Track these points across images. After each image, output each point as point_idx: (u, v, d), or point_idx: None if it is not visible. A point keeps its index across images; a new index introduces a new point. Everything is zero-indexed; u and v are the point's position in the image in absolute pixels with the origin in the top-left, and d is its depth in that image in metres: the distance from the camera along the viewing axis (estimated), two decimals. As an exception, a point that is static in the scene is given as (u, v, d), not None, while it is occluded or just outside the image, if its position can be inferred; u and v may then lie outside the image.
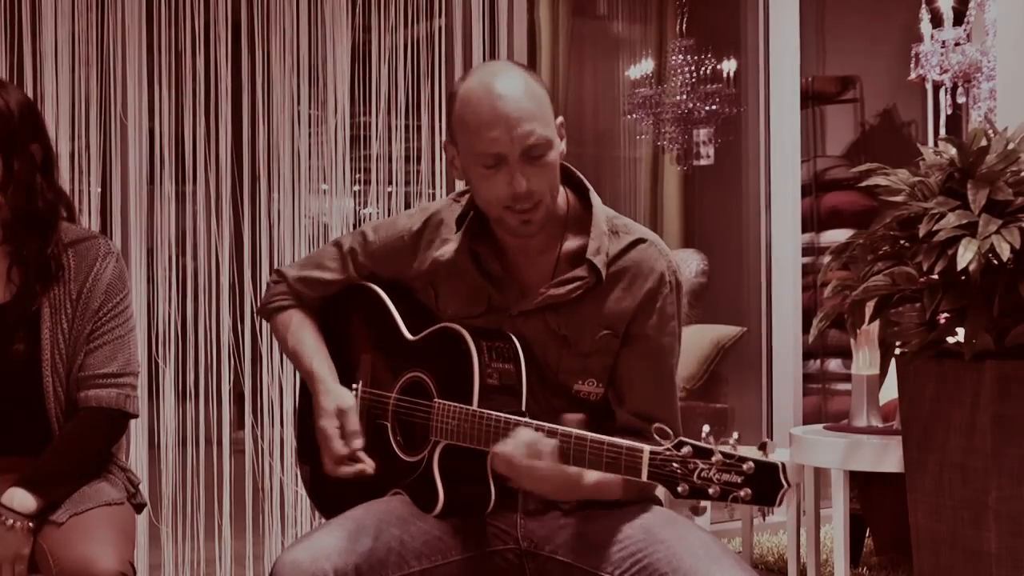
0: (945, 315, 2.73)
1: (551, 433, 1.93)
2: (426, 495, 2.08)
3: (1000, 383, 2.66)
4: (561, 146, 2.08)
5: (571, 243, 2.14)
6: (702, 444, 1.80)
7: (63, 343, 2.31)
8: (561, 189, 2.15)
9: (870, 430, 3.61)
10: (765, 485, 1.77)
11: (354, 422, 2.15)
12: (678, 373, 2.18)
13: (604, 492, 2.03)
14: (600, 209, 2.15)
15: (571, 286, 2.10)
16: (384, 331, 2.22)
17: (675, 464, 1.81)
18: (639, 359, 2.11)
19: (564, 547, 2.09)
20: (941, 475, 2.75)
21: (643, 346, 2.11)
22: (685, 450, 1.81)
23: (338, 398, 2.17)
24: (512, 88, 2.02)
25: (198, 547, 3.89)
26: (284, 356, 3.84)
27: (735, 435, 1.82)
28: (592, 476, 1.96)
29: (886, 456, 3.44)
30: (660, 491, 1.94)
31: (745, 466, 1.77)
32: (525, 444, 1.92)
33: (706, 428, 1.85)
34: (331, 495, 2.29)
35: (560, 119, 2.09)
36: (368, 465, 2.13)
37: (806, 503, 3.88)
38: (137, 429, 3.68)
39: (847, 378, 4.52)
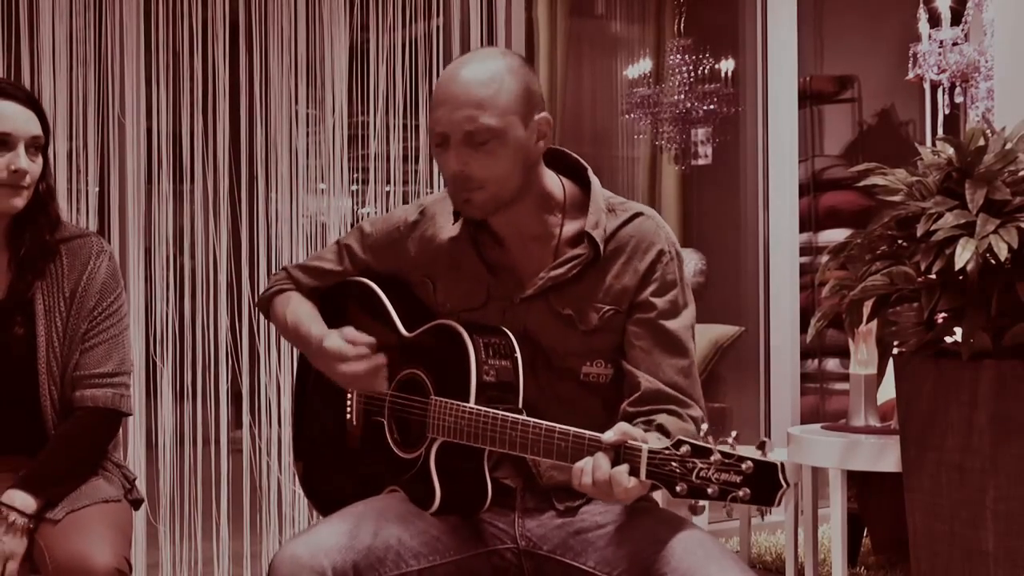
0: (943, 315, 2.73)
1: (562, 434, 1.93)
2: (423, 492, 2.08)
3: (998, 383, 2.66)
4: (518, 137, 2.04)
5: (569, 228, 2.14)
6: (700, 443, 1.80)
7: (57, 341, 2.32)
8: (557, 178, 2.16)
9: (868, 430, 3.61)
10: (764, 485, 1.76)
11: (356, 332, 2.14)
12: (693, 342, 2.15)
13: None
14: (599, 189, 2.15)
15: (570, 264, 2.11)
16: (380, 328, 2.22)
17: (674, 463, 1.81)
18: (648, 328, 2.10)
19: (562, 546, 2.09)
20: (939, 475, 2.75)
21: (650, 313, 2.10)
22: (684, 449, 1.80)
23: (340, 330, 2.17)
24: (473, 73, 2.04)
25: (196, 546, 3.89)
26: (282, 340, 3.84)
27: (733, 434, 1.82)
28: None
29: (884, 456, 3.44)
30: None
31: (744, 466, 1.77)
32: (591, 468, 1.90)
33: (704, 427, 1.85)
34: (328, 493, 2.30)
35: (542, 115, 2.08)
36: (381, 355, 2.12)
37: (804, 503, 3.88)
38: (135, 428, 3.68)
39: (845, 378, 4.52)
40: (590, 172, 2.17)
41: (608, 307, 2.11)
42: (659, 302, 2.10)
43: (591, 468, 1.87)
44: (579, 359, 2.12)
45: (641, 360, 2.09)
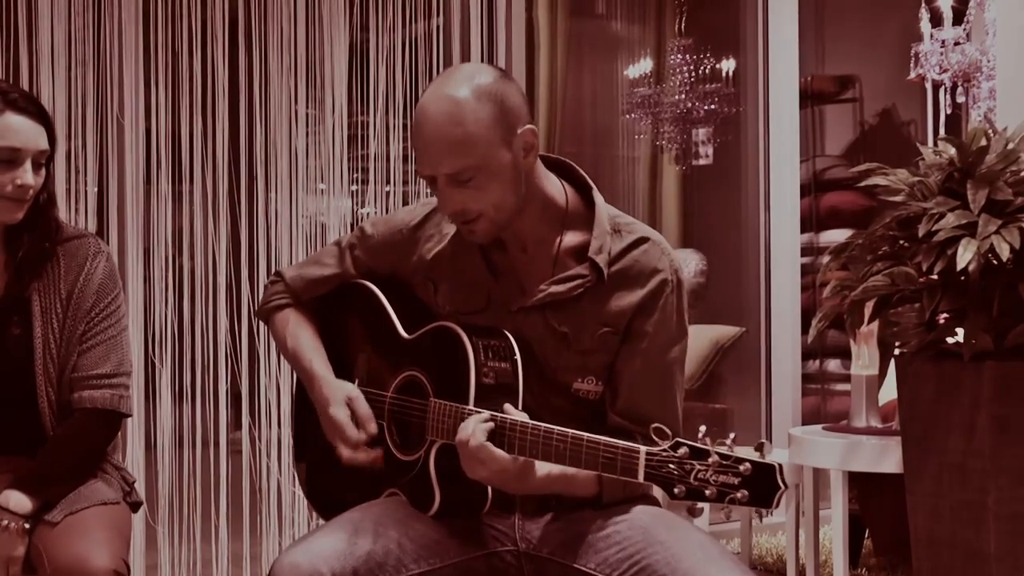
0: (944, 315, 2.72)
1: (560, 436, 1.92)
2: (422, 495, 2.07)
3: (999, 383, 2.66)
4: (503, 162, 2.01)
5: (570, 239, 2.13)
6: (699, 445, 1.80)
7: (54, 342, 2.31)
8: (560, 184, 2.15)
9: (869, 431, 3.61)
10: (762, 487, 1.76)
11: (365, 407, 2.15)
12: (682, 374, 2.17)
13: (568, 487, 2.03)
14: (603, 207, 2.14)
15: (572, 284, 2.10)
16: (380, 330, 2.22)
17: (672, 465, 1.80)
18: (637, 356, 2.11)
19: (562, 548, 2.08)
20: (940, 476, 2.75)
21: (642, 343, 2.10)
22: (682, 451, 1.80)
23: (344, 388, 2.18)
24: (441, 112, 1.99)
25: (195, 548, 3.88)
26: (282, 356, 3.83)
27: (732, 436, 1.81)
28: (546, 468, 1.96)
29: (885, 457, 3.44)
30: (658, 492, 1.93)
31: (742, 467, 1.77)
32: (466, 431, 1.95)
33: (702, 429, 1.85)
34: (329, 496, 2.30)
35: (525, 128, 2.03)
36: (378, 450, 2.14)
37: (805, 504, 3.88)
38: (134, 430, 3.68)
39: (846, 378, 4.51)
40: (595, 192, 2.15)
41: (605, 328, 2.10)
42: (655, 332, 2.11)
43: (470, 428, 1.93)
44: (571, 375, 2.12)
45: (624, 384, 2.11)
